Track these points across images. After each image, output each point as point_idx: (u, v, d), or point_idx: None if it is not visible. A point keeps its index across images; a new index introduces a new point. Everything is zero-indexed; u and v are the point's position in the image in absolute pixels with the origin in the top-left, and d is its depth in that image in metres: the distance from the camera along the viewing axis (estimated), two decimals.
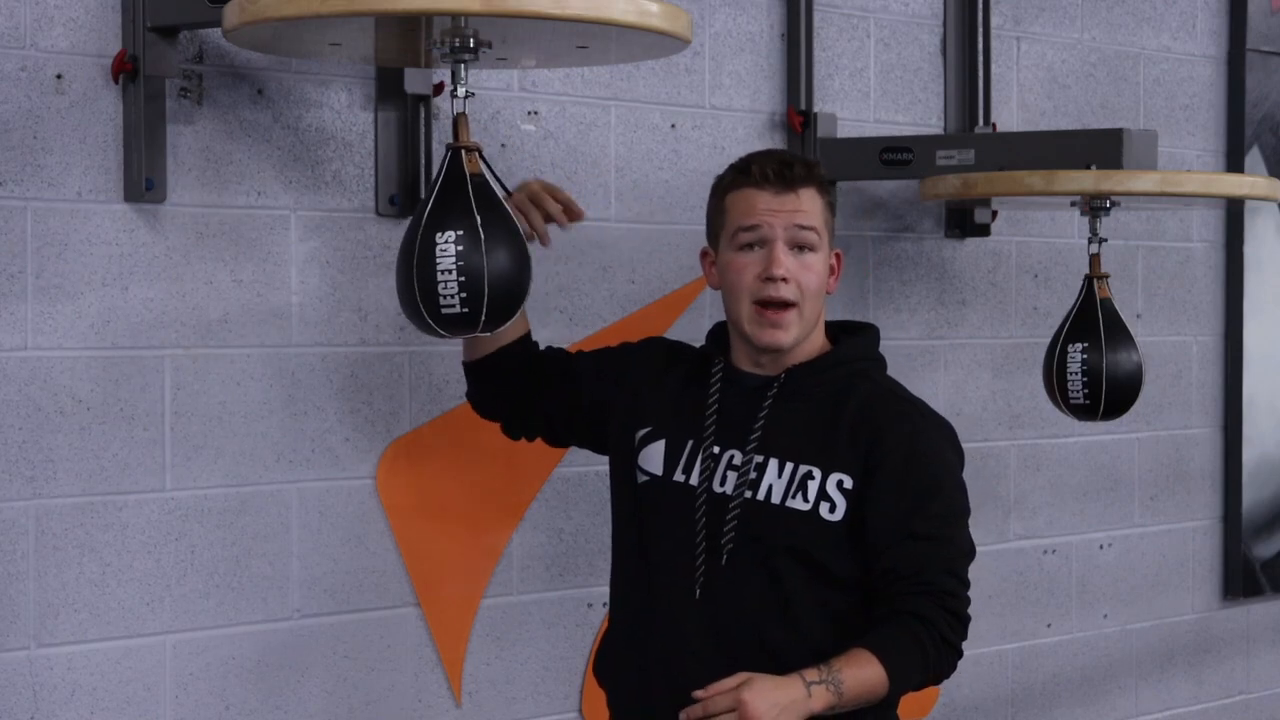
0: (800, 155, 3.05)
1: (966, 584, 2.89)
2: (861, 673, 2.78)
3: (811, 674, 2.75)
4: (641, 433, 3.03)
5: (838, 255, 3.00)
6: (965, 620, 2.88)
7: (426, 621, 3.70)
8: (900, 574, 2.84)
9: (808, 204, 2.93)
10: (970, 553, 2.92)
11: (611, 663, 3.08)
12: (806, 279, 2.92)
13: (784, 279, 2.90)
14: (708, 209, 3.04)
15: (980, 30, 4.52)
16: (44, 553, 3.25)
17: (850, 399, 2.94)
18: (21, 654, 3.24)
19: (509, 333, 3.10)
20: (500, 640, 3.80)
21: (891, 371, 3.10)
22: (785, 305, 2.92)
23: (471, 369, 3.18)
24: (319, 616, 3.56)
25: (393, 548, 3.65)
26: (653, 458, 3.01)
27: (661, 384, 3.07)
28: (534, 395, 3.17)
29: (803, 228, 2.93)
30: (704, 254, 3.06)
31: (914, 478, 2.88)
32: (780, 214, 2.92)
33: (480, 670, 3.78)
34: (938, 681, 2.91)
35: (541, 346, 3.20)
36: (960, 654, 2.89)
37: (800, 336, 2.94)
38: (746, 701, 2.71)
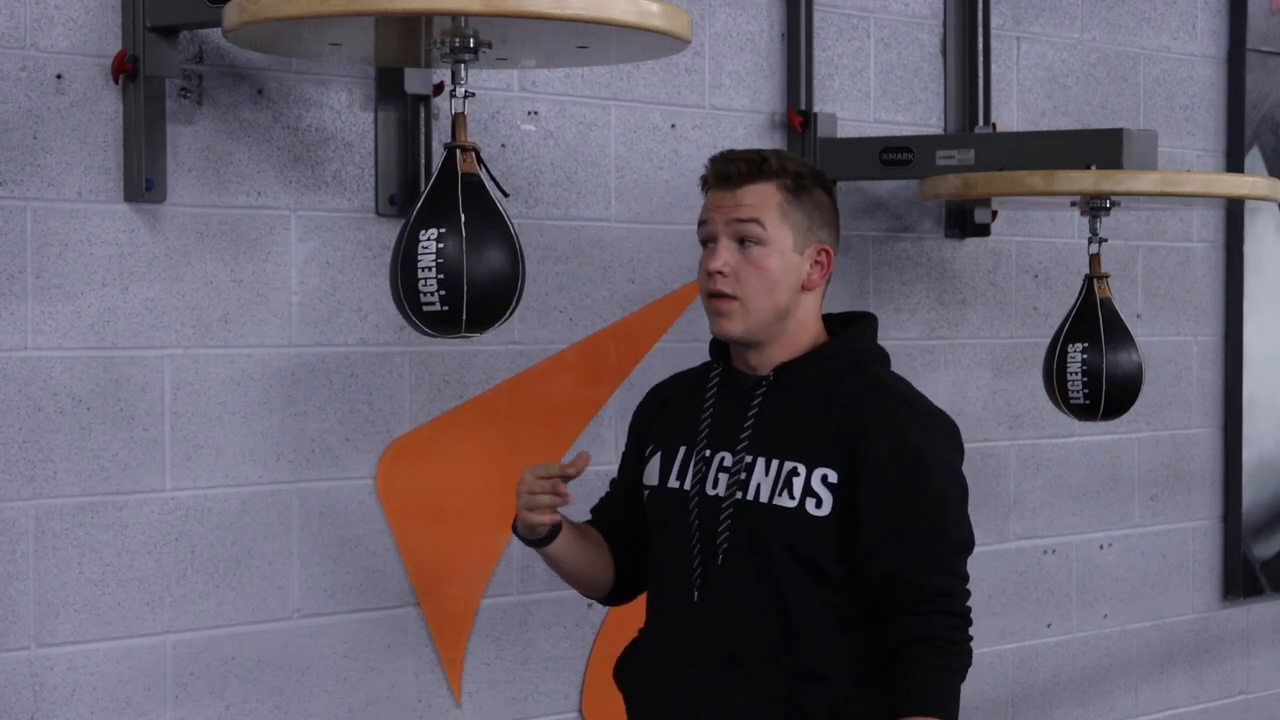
0: (760, 151, 3.00)
1: (963, 578, 2.88)
2: None
3: None
4: (646, 452, 3.05)
5: (824, 250, 2.97)
6: (965, 615, 2.87)
7: (426, 621, 3.70)
8: (896, 579, 2.84)
9: (750, 199, 2.92)
10: (967, 545, 2.90)
11: (626, 667, 3.10)
12: (748, 272, 2.91)
13: (720, 272, 2.91)
14: None
15: (980, 30, 4.52)
16: (44, 553, 3.25)
17: (838, 393, 2.93)
18: (21, 654, 3.23)
19: (602, 569, 3.09)
20: (500, 640, 3.80)
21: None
22: (725, 296, 2.92)
23: (613, 601, 3.18)
24: (319, 616, 3.56)
25: (393, 548, 3.65)
26: (651, 471, 3.03)
27: (662, 414, 3.08)
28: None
29: (742, 220, 2.92)
30: None
31: (901, 471, 2.85)
32: (721, 209, 2.93)
33: (480, 670, 3.78)
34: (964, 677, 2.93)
35: (592, 514, 3.16)
36: (971, 639, 2.89)
37: (751, 330, 2.92)
38: None
